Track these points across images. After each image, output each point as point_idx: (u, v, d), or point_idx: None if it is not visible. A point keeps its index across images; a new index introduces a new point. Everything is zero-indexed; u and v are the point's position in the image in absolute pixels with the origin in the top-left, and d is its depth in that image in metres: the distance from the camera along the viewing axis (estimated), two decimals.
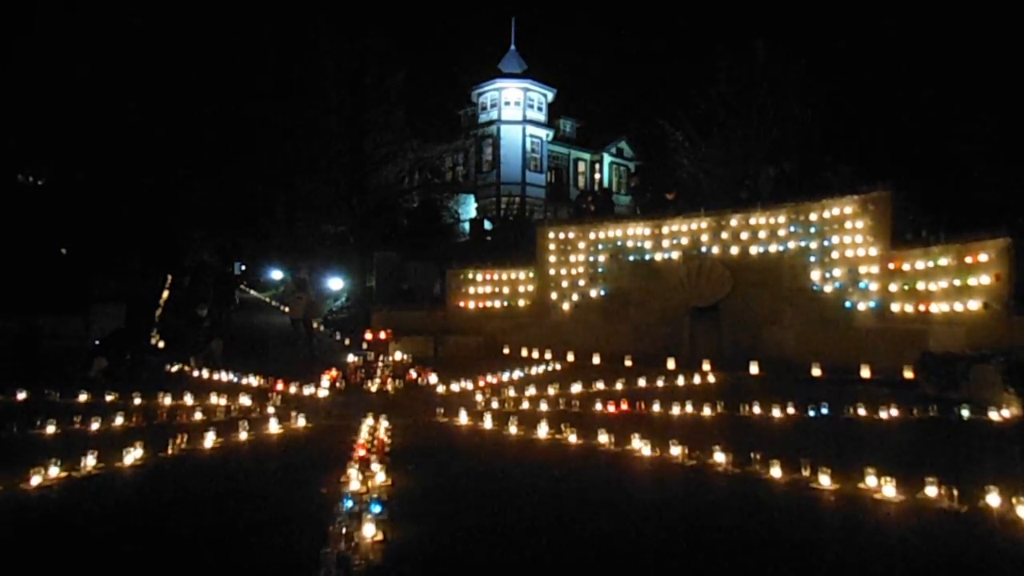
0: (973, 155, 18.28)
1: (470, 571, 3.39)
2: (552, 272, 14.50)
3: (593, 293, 14.14)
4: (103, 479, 4.92)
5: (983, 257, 9.49)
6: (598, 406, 7.65)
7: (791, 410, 7.38)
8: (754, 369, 10.80)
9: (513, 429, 6.46)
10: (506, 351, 13.99)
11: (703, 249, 13.12)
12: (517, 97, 39.28)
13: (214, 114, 22.42)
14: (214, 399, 7.97)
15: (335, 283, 24.31)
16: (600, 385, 9.06)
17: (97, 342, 11.94)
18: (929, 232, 10.87)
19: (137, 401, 7.93)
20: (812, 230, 11.99)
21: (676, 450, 5.46)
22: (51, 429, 6.39)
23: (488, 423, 6.81)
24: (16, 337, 11.57)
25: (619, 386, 9.17)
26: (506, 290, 14.77)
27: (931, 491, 4.37)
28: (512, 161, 38.98)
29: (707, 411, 7.46)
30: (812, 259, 11.92)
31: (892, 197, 11.07)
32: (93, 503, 4.45)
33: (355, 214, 22.97)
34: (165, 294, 15.92)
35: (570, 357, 12.84)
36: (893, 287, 10.75)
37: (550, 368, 11.62)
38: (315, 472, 4.96)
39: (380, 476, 4.73)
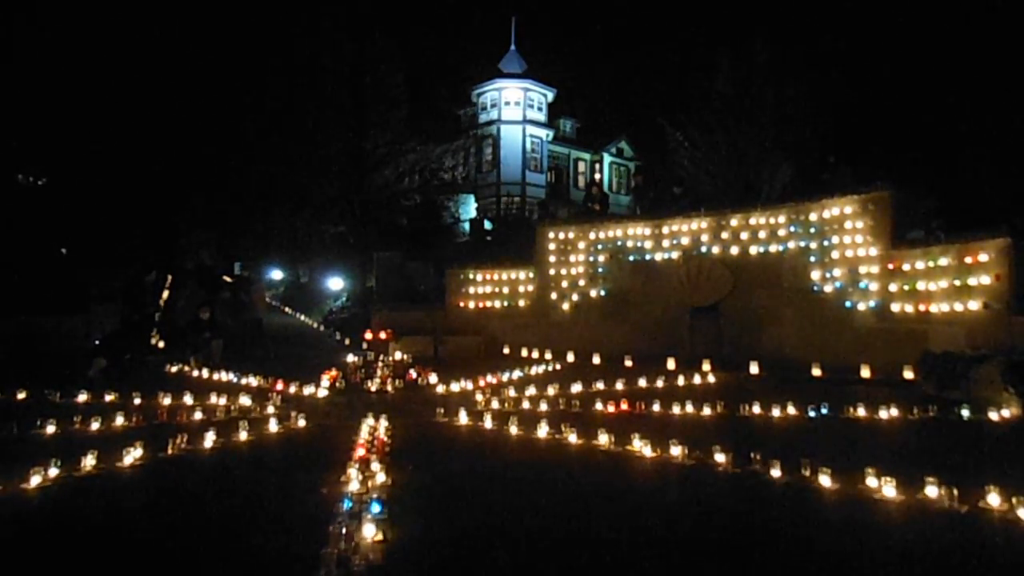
0: (974, 155, 18.29)
1: (470, 571, 3.39)
2: (552, 272, 14.50)
3: (593, 293, 14.14)
4: (103, 479, 4.92)
5: (983, 257, 9.49)
6: (598, 406, 7.64)
7: (791, 410, 7.38)
8: (754, 369, 10.80)
9: (513, 429, 6.46)
10: (506, 351, 13.99)
11: (703, 249, 13.12)
12: (517, 97, 39.27)
13: (214, 114, 22.40)
14: (214, 399, 7.96)
15: (335, 283, 24.33)
16: (600, 385, 9.05)
17: (97, 342, 11.95)
18: (929, 232, 10.88)
19: (137, 401, 7.93)
20: (812, 230, 11.99)
21: (676, 450, 5.46)
22: (51, 429, 6.39)
23: (488, 423, 6.81)
24: (15, 337, 11.58)
25: (619, 386, 9.17)
26: (506, 290, 14.76)
27: (931, 491, 4.37)
28: (512, 161, 38.98)
29: (707, 411, 7.46)
30: (812, 259, 11.92)
31: (892, 197, 11.07)
32: (93, 503, 4.45)
33: (355, 214, 22.98)
34: (165, 294, 15.91)
35: (570, 357, 12.84)
36: (893, 287, 10.75)
37: (550, 368, 11.62)
38: (315, 472, 4.96)
39: (380, 476, 4.73)
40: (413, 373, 10.19)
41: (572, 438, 6.09)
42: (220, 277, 17.26)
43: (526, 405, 7.98)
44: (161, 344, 14.02)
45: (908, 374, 9.49)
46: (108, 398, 8.11)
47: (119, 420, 6.74)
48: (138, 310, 13.25)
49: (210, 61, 22.68)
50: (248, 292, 15.95)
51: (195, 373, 10.91)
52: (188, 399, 7.94)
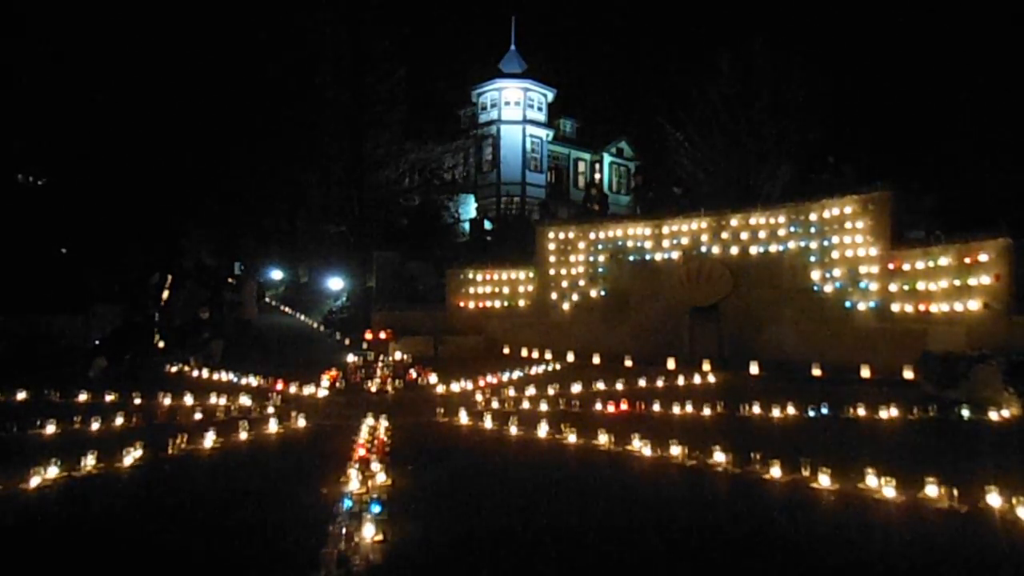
0: (974, 155, 18.28)
1: (470, 571, 3.39)
2: (552, 272, 14.50)
3: (593, 293, 14.14)
4: (103, 479, 4.92)
5: (983, 257, 9.50)
6: (598, 406, 7.64)
7: (791, 410, 7.38)
8: (754, 369, 10.80)
9: (513, 429, 6.46)
10: (506, 351, 13.99)
11: (703, 249, 13.13)
12: (517, 97, 39.30)
13: (213, 114, 22.41)
14: (214, 399, 7.97)
15: (335, 283, 24.31)
16: (600, 385, 9.06)
17: (97, 342, 11.95)
18: (929, 232, 10.89)
19: (137, 401, 7.93)
20: (812, 230, 11.99)
21: (676, 450, 5.46)
22: (51, 429, 6.39)
23: (488, 423, 6.81)
24: (15, 337, 11.58)
25: (619, 386, 9.17)
26: (506, 290, 14.76)
27: (931, 491, 4.37)
28: (512, 161, 39.00)
29: (707, 411, 7.46)
30: (812, 259, 11.93)
31: (892, 197, 11.08)
32: (93, 503, 4.45)
33: (355, 214, 22.96)
34: (165, 294, 15.91)
35: (570, 357, 12.84)
36: (893, 287, 10.76)
37: (550, 368, 11.62)
38: (315, 472, 4.96)
39: (380, 476, 4.73)
40: (413, 373, 10.20)
41: (572, 438, 6.09)
42: (225, 279, 17.24)
43: (526, 405, 7.97)
44: (161, 344, 14.02)
45: (908, 374, 9.49)
46: (108, 398, 8.11)
47: (119, 420, 6.75)
48: (141, 311, 13.28)
49: (210, 61, 22.66)
50: (238, 292, 15.84)
51: (195, 373, 10.91)
52: (188, 399, 7.95)
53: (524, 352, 13.66)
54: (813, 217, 11.99)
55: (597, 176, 43.74)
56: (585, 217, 16.69)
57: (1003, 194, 15.18)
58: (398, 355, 12.33)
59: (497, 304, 14.76)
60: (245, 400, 7.84)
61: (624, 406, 7.63)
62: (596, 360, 12.39)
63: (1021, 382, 7.38)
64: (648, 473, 5.19)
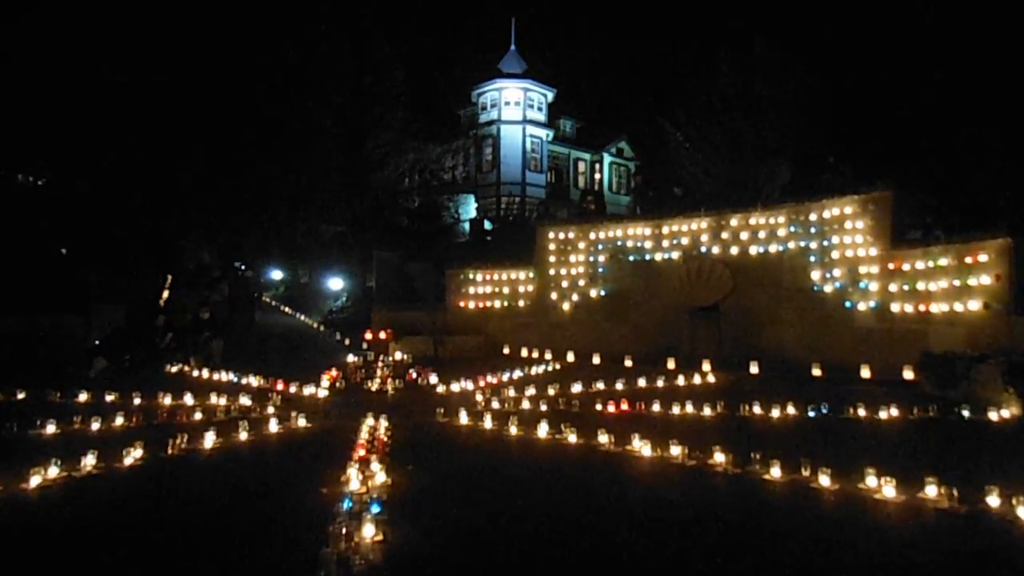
0: (974, 155, 18.28)
1: (469, 571, 3.39)
2: (552, 272, 14.50)
3: (593, 293, 14.14)
4: (103, 479, 4.92)
5: (983, 257, 9.49)
6: (598, 406, 7.65)
7: (791, 410, 7.37)
8: (754, 369, 10.80)
9: (513, 429, 6.46)
10: (506, 351, 13.99)
11: (703, 249, 13.12)
12: (517, 97, 39.27)
13: (214, 114, 22.42)
14: (214, 399, 7.97)
15: (335, 283, 24.31)
16: (600, 385, 9.06)
17: (97, 342, 11.95)
18: (929, 232, 10.88)
19: (137, 401, 7.93)
20: (812, 230, 11.99)
21: (676, 450, 5.46)
22: (51, 429, 6.39)
23: (488, 423, 6.81)
24: (15, 337, 11.57)
25: (619, 386, 9.17)
26: (506, 290, 14.76)
27: (931, 491, 4.37)
28: (512, 161, 38.97)
29: (707, 411, 7.46)
30: (812, 259, 11.92)
31: (892, 197, 11.07)
32: (93, 503, 4.45)
33: (355, 214, 22.99)
34: (165, 294, 15.90)
35: (570, 357, 12.84)
36: (893, 287, 10.75)
37: (550, 368, 11.62)
38: (315, 472, 4.96)
39: (380, 476, 4.73)
40: (413, 373, 10.20)
41: (572, 438, 6.09)
42: (216, 278, 17.22)
43: (526, 405, 7.97)
44: (163, 344, 14.01)
45: (908, 374, 9.50)
46: (108, 398, 8.11)
47: (119, 420, 6.75)
48: (141, 311, 13.29)
49: (210, 61, 22.68)
50: (209, 291, 15.76)
51: (195, 373, 10.91)
52: (188, 399, 7.95)
53: (524, 352, 13.66)
54: (813, 217, 11.99)
55: (597, 176, 43.72)
56: (585, 217, 16.70)
57: (1003, 194, 15.17)
58: (398, 355, 12.34)
59: (497, 304, 14.76)
60: (245, 400, 7.84)
61: (624, 406, 7.63)
62: (596, 360, 12.39)
63: (1021, 382, 7.37)
64: (648, 473, 5.19)
